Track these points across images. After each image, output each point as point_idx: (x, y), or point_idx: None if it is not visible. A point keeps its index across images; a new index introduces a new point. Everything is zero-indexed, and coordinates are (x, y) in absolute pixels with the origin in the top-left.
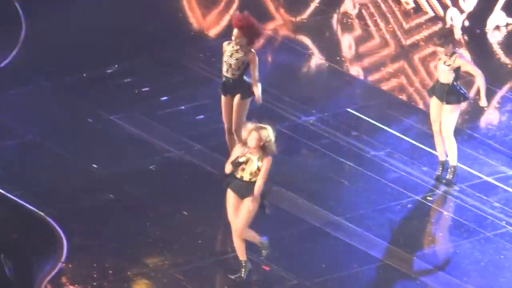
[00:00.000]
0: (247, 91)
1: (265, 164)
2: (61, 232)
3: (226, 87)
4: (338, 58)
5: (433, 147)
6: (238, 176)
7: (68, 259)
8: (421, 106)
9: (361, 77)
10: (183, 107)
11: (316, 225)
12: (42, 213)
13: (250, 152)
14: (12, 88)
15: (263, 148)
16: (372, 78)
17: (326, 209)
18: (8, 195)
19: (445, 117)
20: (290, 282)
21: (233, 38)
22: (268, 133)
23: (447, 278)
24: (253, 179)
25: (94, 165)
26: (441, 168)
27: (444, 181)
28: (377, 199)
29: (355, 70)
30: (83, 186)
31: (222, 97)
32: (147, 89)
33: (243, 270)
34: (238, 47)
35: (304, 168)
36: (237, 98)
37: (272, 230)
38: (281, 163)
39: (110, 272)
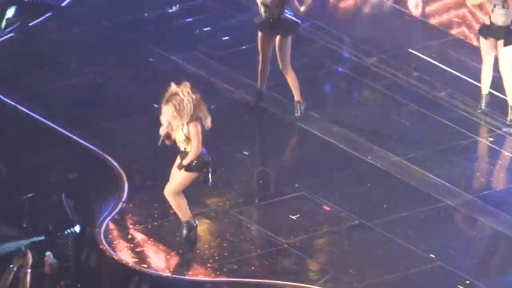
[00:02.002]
0: (287, 30)
1: (192, 131)
2: (122, 171)
3: (265, 26)
4: None
5: (495, 88)
6: (178, 145)
7: (129, 199)
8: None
9: (423, 17)
10: (244, 47)
11: (377, 165)
12: (103, 153)
13: (173, 123)
14: (73, 28)
15: (184, 115)
16: (433, 18)
17: (387, 150)
18: (69, 134)
19: (505, 58)
20: (351, 223)
21: None
22: (180, 96)
23: (508, 219)
24: (187, 148)
25: (155, 105)
26: (482, 101)
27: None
28: (438, 140)
29: (417, 10)
30: (144, 126)
31: (260, 34)
32: (208, 28)
33: (183, 230)
34: None
35: (365, 109)
36: (278, 38)
37: (333, 170)
38: (343, 103)
39: (171, 211)
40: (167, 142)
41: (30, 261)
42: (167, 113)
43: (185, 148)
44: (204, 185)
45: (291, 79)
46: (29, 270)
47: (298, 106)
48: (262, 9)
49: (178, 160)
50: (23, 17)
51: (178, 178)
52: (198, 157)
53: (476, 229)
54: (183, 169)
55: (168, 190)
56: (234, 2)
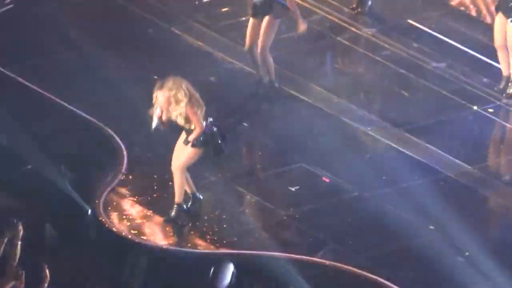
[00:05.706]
0: (279, 11)
1: (189, 112)
2: (121, 143)
3: (257, 8)
4: None
5: (494, 59)
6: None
7: (129, 171)
8: (481, 17)
9: None
10: (243, 18)
11: (377, 137)
12: (102, 125)
13: (171, 111)
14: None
15: (179, 100)
16: None
17: (387, 121)
18: (68, 106)
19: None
20: (350, 194)
21: None
22: (174, 83)
23: (507, 191)
24: (191, 126)
25: (155, 76)
26: (503, 83)
27: (505, 95)
28: (437, 111)
29: None
30: (143, 97)
31: (251, 19)
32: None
33: (172, 212)
34: None
35: (365, 80)
36: (268, 17)
37: (333, 142)
38: (343, 74)
39: (170, 183)
40: (162, 126)
41: (21, 233)
42: (162, 98)
43: (189, 127)
44: (218, 156)
45: (268, 63)
46: (19, 242)
47: (273, 83)
48: None
49: (183, 135)
50: None
51: (185, 154)
52: (202, 132)
53: (476, 200)
54: (190, 145)
55: (175, 166)
56: None
